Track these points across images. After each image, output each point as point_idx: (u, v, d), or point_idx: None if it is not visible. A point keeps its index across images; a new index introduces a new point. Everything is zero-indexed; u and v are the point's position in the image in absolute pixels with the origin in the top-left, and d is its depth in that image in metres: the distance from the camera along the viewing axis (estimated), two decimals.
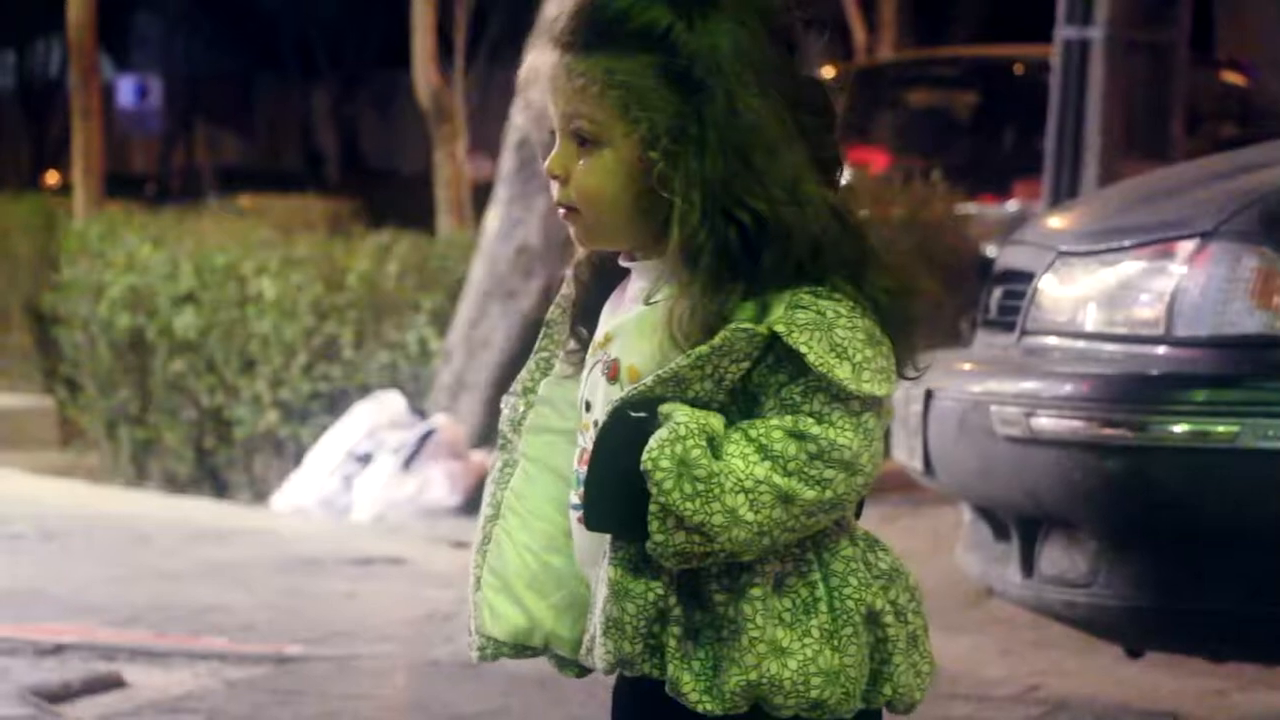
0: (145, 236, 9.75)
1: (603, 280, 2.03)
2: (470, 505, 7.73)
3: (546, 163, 1.94)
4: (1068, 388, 3.74)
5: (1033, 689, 4.66)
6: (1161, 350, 3.67)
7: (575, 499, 1.99)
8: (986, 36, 19.47)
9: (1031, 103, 9.36)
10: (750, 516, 1.84)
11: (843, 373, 1.85)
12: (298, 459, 8.62)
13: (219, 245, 9.48)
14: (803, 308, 1.87)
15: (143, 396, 9.49)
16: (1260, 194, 3.76)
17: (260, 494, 8.93)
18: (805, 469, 1.85)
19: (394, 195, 19.90)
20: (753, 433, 1.86)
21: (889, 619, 1.92)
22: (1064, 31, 7.64)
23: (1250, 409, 3.51)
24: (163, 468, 9.47)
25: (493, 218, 8.62)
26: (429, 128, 12.12)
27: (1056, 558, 3.80)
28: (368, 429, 8.18)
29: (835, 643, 1.89)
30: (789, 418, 1.86)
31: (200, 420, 9.32)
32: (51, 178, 24.84)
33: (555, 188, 1.95)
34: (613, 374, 1.96)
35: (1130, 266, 3.81)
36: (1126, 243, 3.85)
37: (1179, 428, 3.54)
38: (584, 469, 1.93)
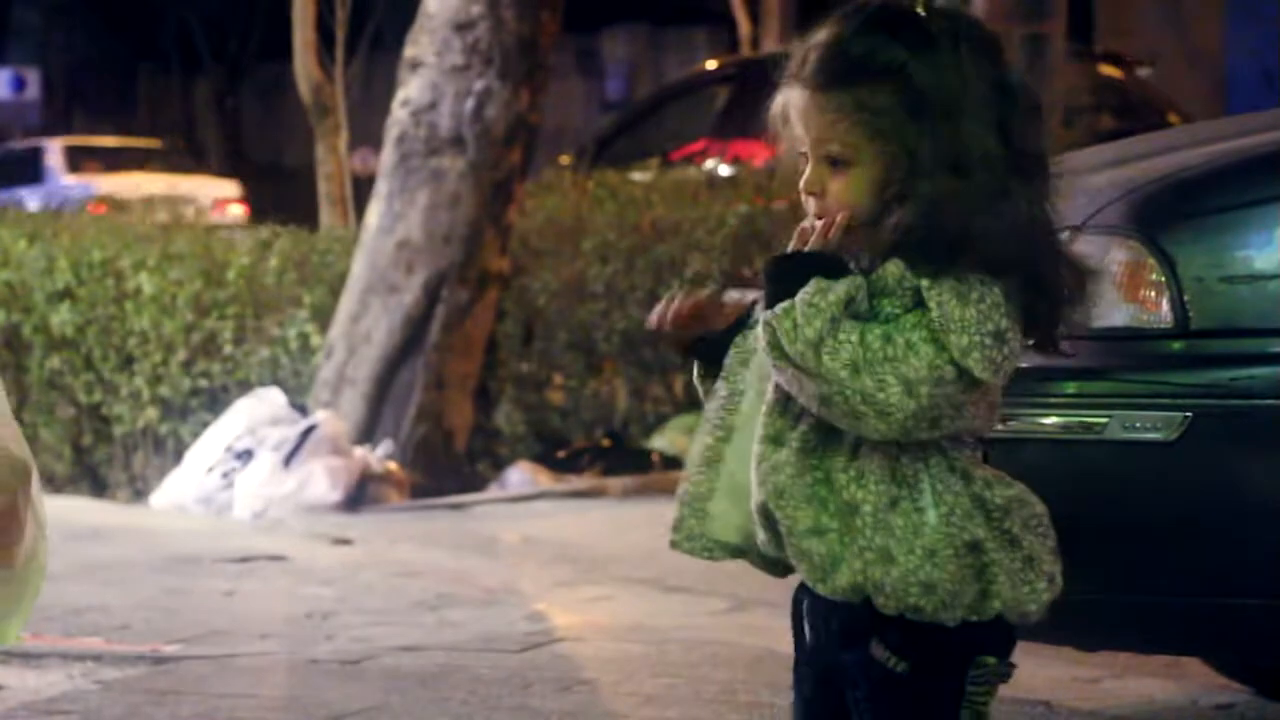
0: (19, 232, 9.63)
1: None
2: (351, 501, 7.69)
3: (803, 183, 2.30)
4: None
5: None
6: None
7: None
8: None
9: None
10: (828, 362, 2.19)
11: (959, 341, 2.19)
12: (177, 456, 8.56)
13: (96, 240, 9.38)
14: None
15: (18, 394, 9.37)
16: (1130, 187, 3.79)
17: (139, 492, 8.85)
18: (876, 366, 2.19)
19: (277, 189, 19.76)
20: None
21: (991, 545, 2.24)
22: None
23: (1117, 401, 3.55)
24: (39, 466, 9.35)
25: (373, 213, 8.58)
26: (311, 121, 12.03)
27: None
28: (248, 425, 8.12)
29: (935, 561, 2.23)
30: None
31: (78, 418, 9.22)
32: None
33: (812, 203, 2.30)
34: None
35: None
36: None
37: (1048, 419, 3.58)
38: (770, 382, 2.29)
